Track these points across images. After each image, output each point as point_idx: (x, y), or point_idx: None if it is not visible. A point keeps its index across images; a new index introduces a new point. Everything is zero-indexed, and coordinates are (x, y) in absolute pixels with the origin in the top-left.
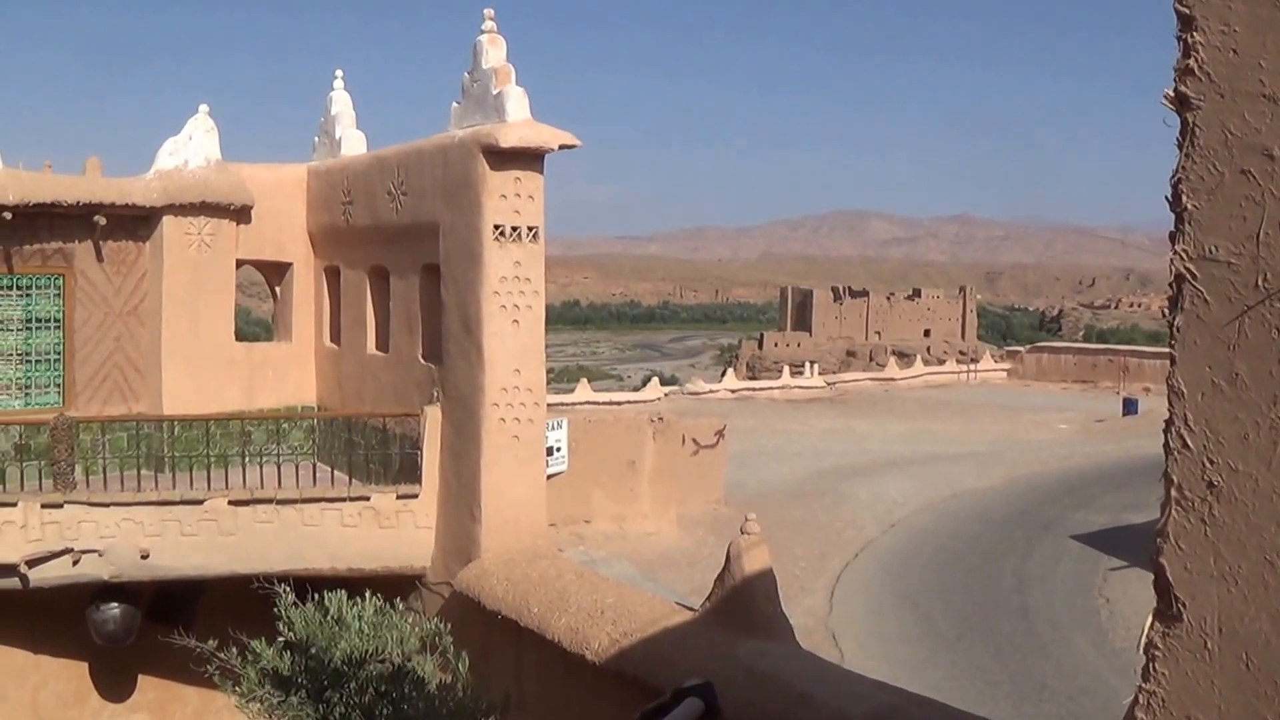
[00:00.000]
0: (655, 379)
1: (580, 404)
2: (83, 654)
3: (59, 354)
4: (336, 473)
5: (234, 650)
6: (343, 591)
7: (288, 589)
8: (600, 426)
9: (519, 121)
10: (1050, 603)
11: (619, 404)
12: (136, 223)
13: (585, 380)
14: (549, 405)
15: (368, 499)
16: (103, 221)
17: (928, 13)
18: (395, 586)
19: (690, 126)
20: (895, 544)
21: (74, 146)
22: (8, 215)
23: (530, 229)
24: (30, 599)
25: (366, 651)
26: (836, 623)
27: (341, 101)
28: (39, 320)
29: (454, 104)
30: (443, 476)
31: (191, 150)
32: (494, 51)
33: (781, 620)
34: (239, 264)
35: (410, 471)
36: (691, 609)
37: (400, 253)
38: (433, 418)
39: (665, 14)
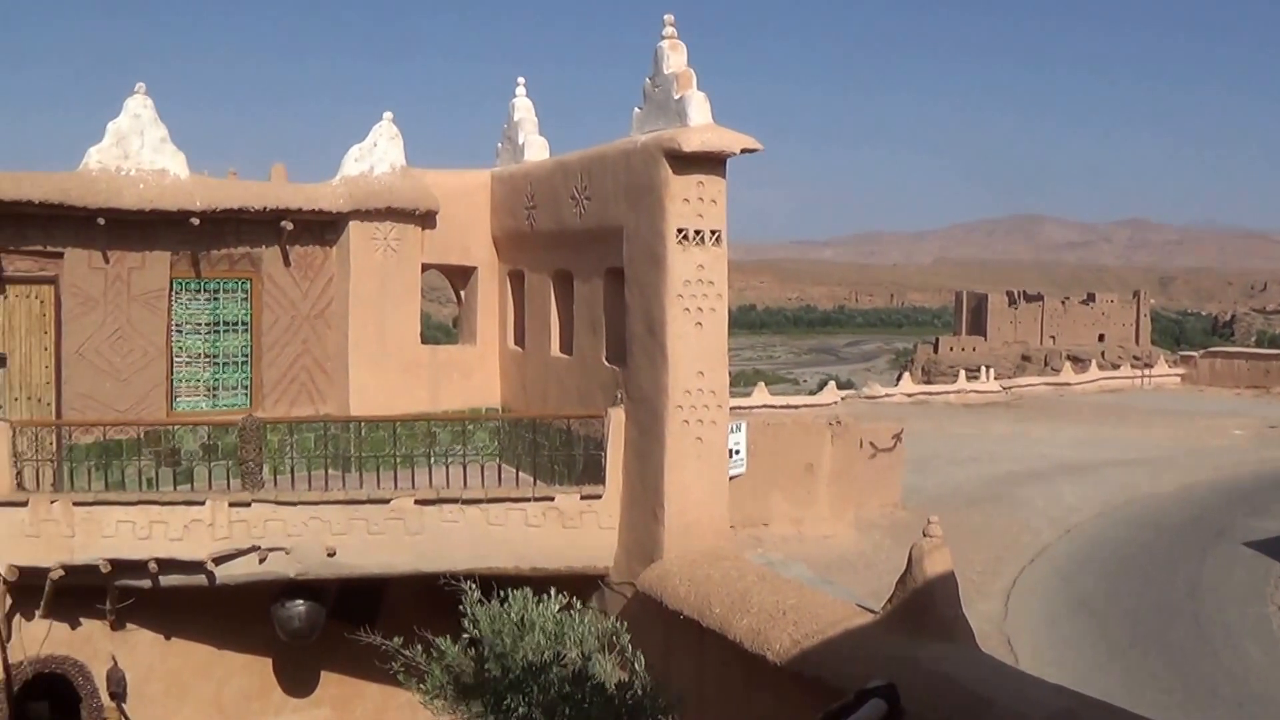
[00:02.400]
0: (831, 383)
1: (758, 407)
2: (267, 650)
3: (246, 356)
4: (521, 473)
5: (418, 648)
6: (528, 590)
7: (473, 586)
8: (778, 430)
9: (701, 126)
10: (1222, 609)
11: (796, 407)
12: (323, 228)
13: (762, 384)
14: None
15: (552, 499)
16: (289, 226)
17: (1098, 20)
18: (577, 586)
19: (865, 131)
20: (1070, 549)
21: (258, 153)
22: (195, 221)
23: (713, 232)
24: (216, 595)
25: (550, 652)
26: (1012, 627)
27: (524, 108)
28: (227, 323)
29: (635, 109)
30: (626, 477)
31: (377, 156)
32: (675, 57)
33: (962, 623)
34: (424, 268)
35: (594, 472)
36: (872, 611)
37: (584, 256)
38: (616, 419)
39: (841, 20)
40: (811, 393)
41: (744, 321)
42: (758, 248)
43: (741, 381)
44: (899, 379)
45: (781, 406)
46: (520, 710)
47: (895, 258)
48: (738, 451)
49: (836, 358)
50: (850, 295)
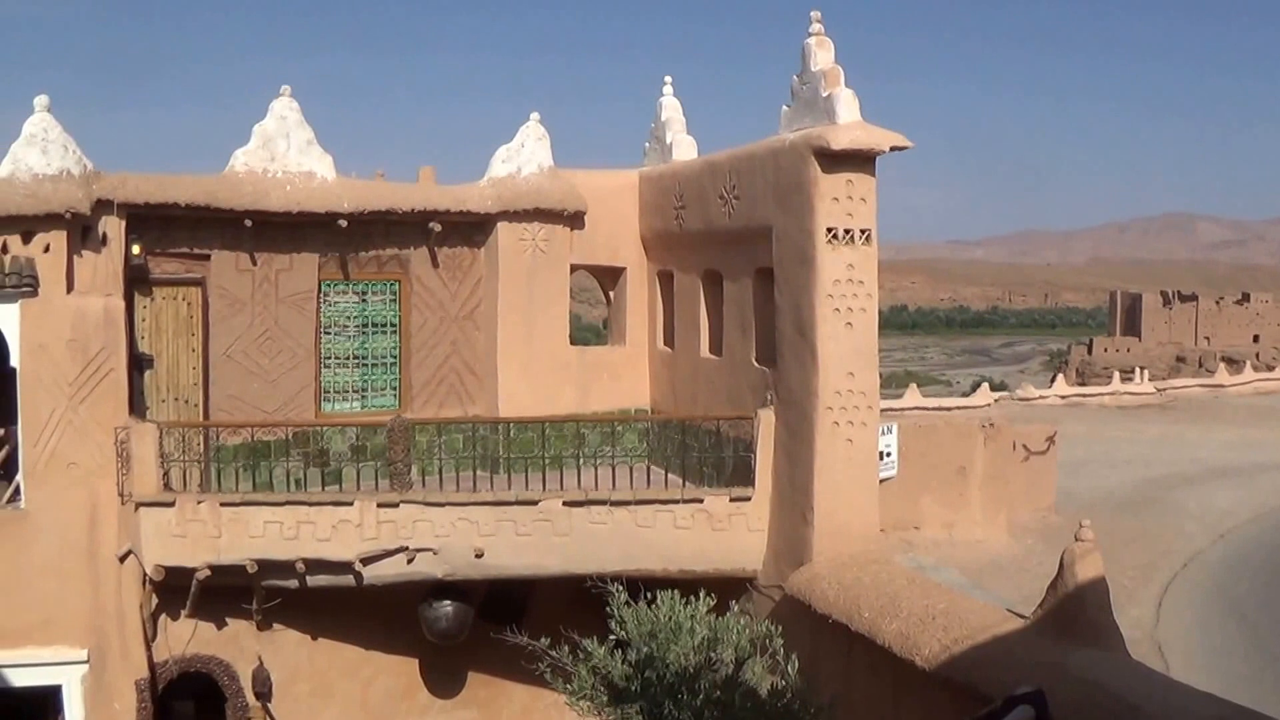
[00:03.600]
0: (985, 384)
1: (909, 409)
2: (413, 650)
3: (395, 358)
4: (670, 475)
5: (565, 649)
6: (676, 592)
7: (621, 588)
8: (930, 432)
9: (849, 123)
10: None
11: (949, 409)
12: (471, 229)
13: (914, 385)
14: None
15: (701, 501)
16: (437, 228)
17: (1245, 17)
18: (724, 588)
19: (1016, 129)
20: (1224, 555)
21: (405, 155)
22: (342, 223)
23: (863, 231)
24: (364, 596)
25: (700, 655)
26: (1163, 634)
27: (671, 107)
28: (375, 325)
29: (784, 107)
30: (775, 479)
31: (524, 157)
32: (822, 54)
33: (1113, 630)
34: (572, 269)
35: (743, 474)
36: (1022, 617)
37: (733, 256)
38: (766, 421)
39: (992, 17)
40: (964, 394)
41: (896, 322)
42: (909, 247)
43: (893, 383)
44: (1053, 381)
45: (934, 409)
46: (673, 714)
47: (1048, 257)
48: (889, 454)
49: (990, 359)
50: (1004, 295)
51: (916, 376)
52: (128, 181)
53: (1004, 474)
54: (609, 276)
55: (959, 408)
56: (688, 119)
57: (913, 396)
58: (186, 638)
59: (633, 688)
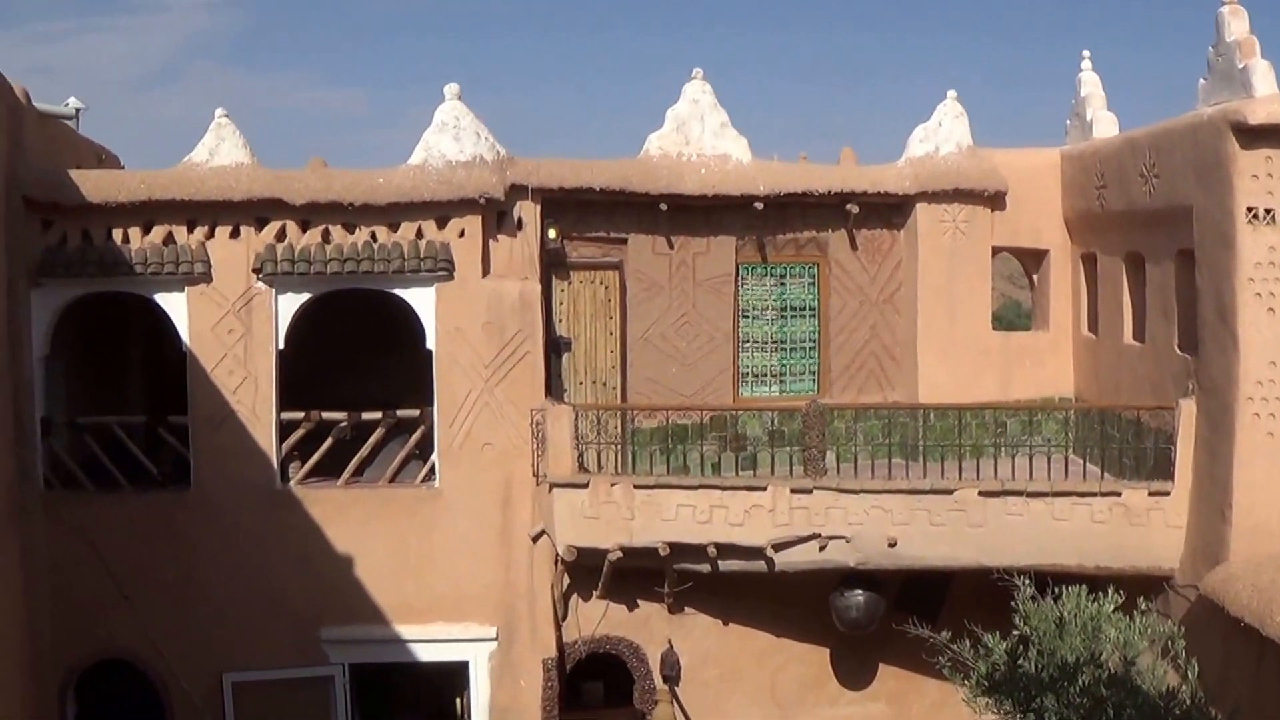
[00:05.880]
0: None
1: None
2: (824, 639)
3: (814, 342)
4: (1087, 466)
5: (966, 643)
6: (1081, 588)
7: (1028, 582)
8: None
9: (1266, 96)
10: None
11: None
12: (889, 210)
13: None
14: None
15: (1119, 495)
16: (855, 210)
17: None
18: (1138, 586)
19: None
20: None
21: (826, 137)
22: (758, 205)
23: None
24: (775, 582)
25: (1093, 652)
26: None
27: (1090, 83)
28: (793, 308)
29: (1200, 80)
30: (1195, 473)
31: (942, 136)
32: (1236, 23)
33: None
34: (995, 251)
35: (1163, 467)
36: None
37: (1154, 237)
38: (1187, 411)
39: None
40: None
41: None
42: None
43: None
44: None
45: None
46: (1060, 712)
47: None
48: None
49: None
50: None
51: None
52: (541, 167)
53: None
54: (1032, 259)
55: None
56: (1109, 95)
57: None
58: (597, 619)
59: (1011, 679)
